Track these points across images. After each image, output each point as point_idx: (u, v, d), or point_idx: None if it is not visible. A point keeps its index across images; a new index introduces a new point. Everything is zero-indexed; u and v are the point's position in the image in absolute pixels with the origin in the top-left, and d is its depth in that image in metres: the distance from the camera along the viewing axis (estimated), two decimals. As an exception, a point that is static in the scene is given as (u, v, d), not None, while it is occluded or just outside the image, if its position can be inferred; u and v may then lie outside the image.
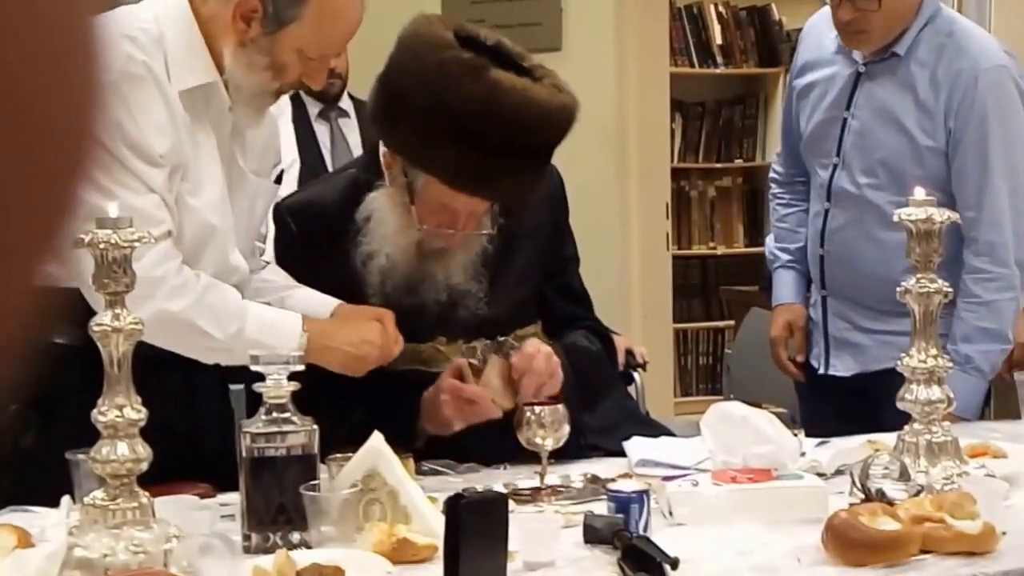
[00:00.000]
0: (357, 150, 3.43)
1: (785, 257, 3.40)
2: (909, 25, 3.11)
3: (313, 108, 3.41)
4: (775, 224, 3.49)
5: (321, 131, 3.42)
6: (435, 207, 2.51)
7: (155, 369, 2.12)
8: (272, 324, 2.38)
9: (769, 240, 3.52)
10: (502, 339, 2.66)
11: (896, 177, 3.08)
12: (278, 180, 2.66)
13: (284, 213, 2.65)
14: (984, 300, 3.10)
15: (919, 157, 3.09)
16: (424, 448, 2.50)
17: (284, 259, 2.65)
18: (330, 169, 3.27)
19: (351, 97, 3.50)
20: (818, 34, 3.32)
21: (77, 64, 0.47)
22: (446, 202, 2.50)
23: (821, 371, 3.33)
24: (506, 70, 2.43)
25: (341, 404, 2.46)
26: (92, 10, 0.48)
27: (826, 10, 3.24)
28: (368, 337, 2.44)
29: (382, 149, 2.57)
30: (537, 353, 2.55)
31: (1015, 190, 3.10)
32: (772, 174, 3.52)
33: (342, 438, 2.25)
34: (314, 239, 2.62)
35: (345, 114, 3.49)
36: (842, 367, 3.29)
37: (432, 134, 2.42)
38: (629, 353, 3.28)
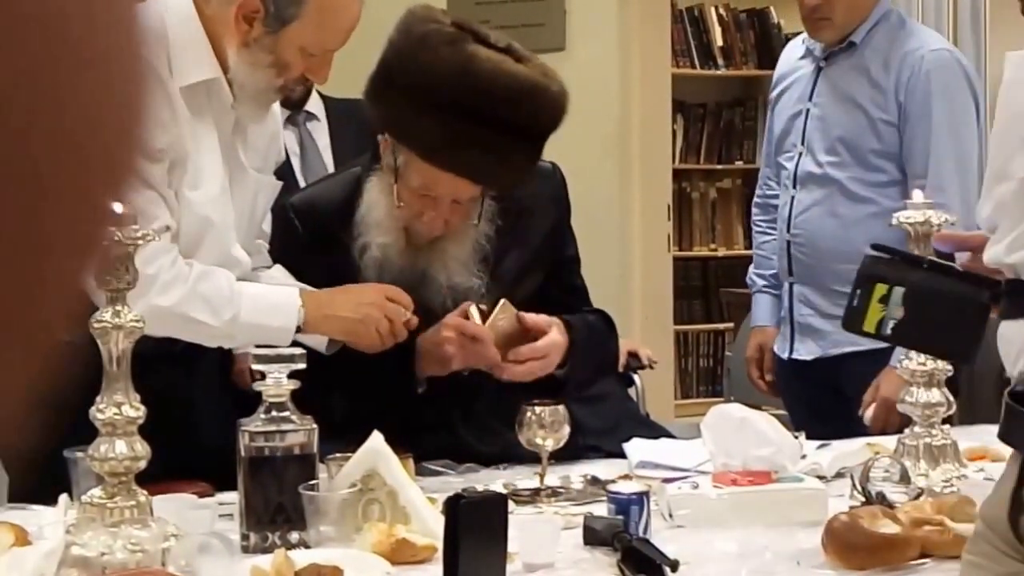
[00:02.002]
0: (327, 153, 3.36)
1: (761, 283, 3.64)
2: (867, 17, 3.35)
3: (281, 115, 3.34)
4: (755, 250, 3.72)
5: (289, 138, 3.29)
6: (417, 188, 2.51)
7: (154, 367, 2.11)
8: (268, 304, 2.41)
9: (751, 266, 3.72)
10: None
11: (855, 153, 3.31)
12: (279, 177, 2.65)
13: (289, 211, 2.64)
14: None
15: (875, 131, 3.31)
16: (424, 447, 2.49)
17: (287, 257, 2.64)
18: (299, 177, 3.21)
19: (320, 95, 3.40)
20: (789, 53, 3.59)
21: (122, 66, 0.47)
22: (427, 183, 2.49)
23: (785, 356, 3.47)
24: (491, 50, 2.44)
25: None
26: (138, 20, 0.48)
27: (800, 37, 3.55)
28: (366, 300, 2.46)
29: (380, 136, 2.57)
30: (550, 328, 2.56)
31: (960, 161, 3.26)
32: (755, 197, 3.74)
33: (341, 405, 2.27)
34: (319, 238, 2.61)
35: (314, 117, 3.41)
36: (805, 351, 3.45)
37: (409, 104, 2.44)
38: (632, 355, 3.27)
